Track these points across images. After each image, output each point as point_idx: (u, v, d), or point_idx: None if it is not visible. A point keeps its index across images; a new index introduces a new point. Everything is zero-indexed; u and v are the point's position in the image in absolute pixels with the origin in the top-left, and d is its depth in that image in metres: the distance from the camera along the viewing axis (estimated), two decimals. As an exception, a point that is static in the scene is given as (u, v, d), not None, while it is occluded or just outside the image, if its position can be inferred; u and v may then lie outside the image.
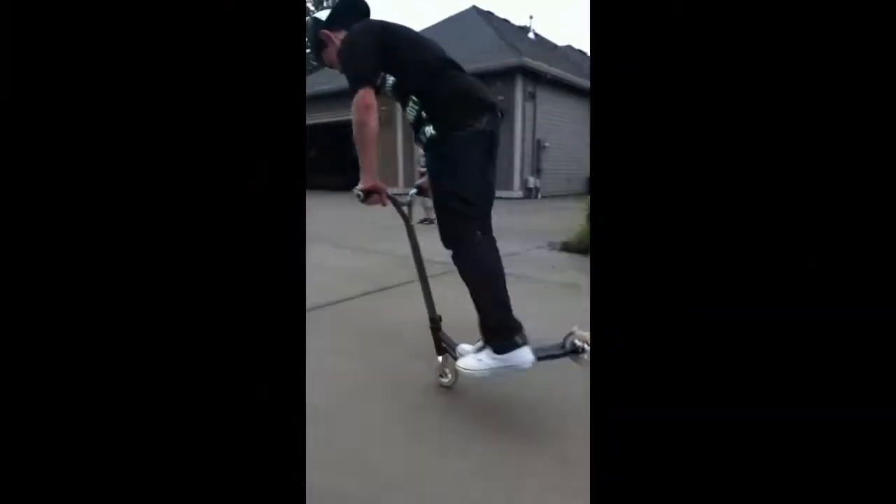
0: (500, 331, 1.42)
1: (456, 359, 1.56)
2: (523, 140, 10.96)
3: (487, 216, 1.59)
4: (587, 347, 1.45)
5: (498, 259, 1.48)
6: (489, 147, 1.48)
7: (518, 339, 1.41)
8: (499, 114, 1.49)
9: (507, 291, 1.45)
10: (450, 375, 1.65)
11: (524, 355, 1.41)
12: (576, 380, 1.59)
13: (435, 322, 1.66)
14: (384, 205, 1.53)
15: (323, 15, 1.64)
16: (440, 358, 1.67)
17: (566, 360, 1.47)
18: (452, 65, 1.52)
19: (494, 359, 1.42)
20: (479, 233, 1.48)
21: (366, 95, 1.36)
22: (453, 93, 1.46)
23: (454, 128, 1.44)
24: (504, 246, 1.59)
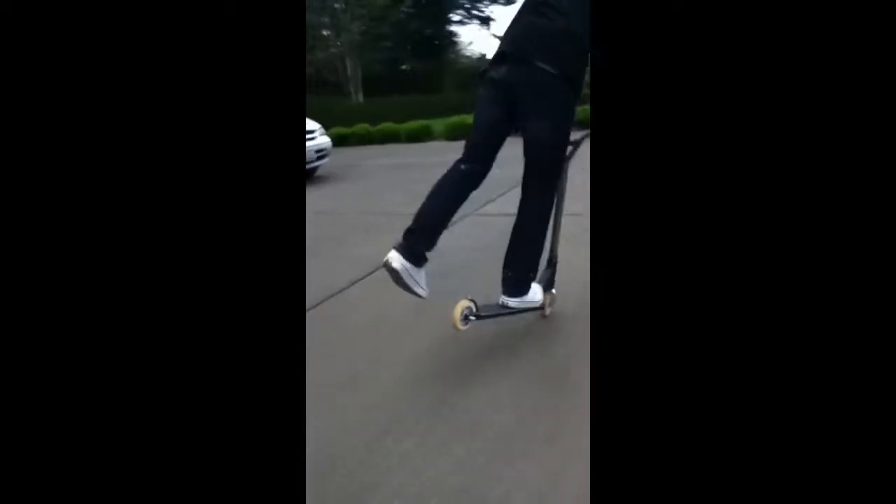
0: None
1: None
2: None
3: (490, 157, 1.58)
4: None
5: (449, 192, 1.55)
6: (504, 96, 1.48)
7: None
8: (525, 65, 1.42)
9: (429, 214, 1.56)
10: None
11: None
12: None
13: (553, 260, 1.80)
14: None
15: None
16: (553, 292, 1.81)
17: None
18: (529, 6, 1.49)
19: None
20: (461, 165, 1.56)
21: None
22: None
23: (482, 71, 1.55)
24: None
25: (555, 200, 1.64)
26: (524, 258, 1.58)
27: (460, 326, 1.50)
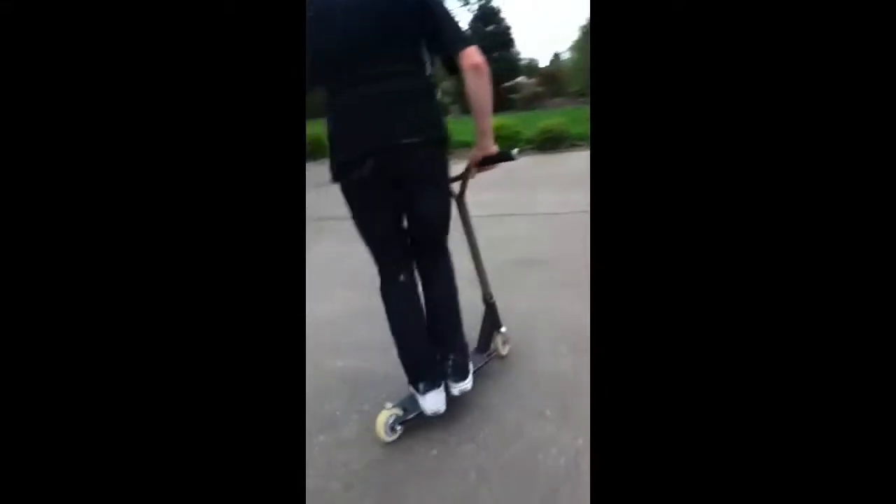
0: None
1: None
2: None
3: (409, 257, 1.38)
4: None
5: (411, 308, 1.34)
6: (381, 194, 1.24)
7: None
8: (392, 152, 1.18)
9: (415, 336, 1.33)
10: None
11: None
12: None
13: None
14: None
15: None
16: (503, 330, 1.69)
17: None
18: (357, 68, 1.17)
19: None
20: (400, 277, 1.34)
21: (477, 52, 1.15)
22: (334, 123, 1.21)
23: (336, 174, 1.23)
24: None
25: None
26: (455, 330, 1.39)
27: (387, 438, 1.32)
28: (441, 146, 1.26)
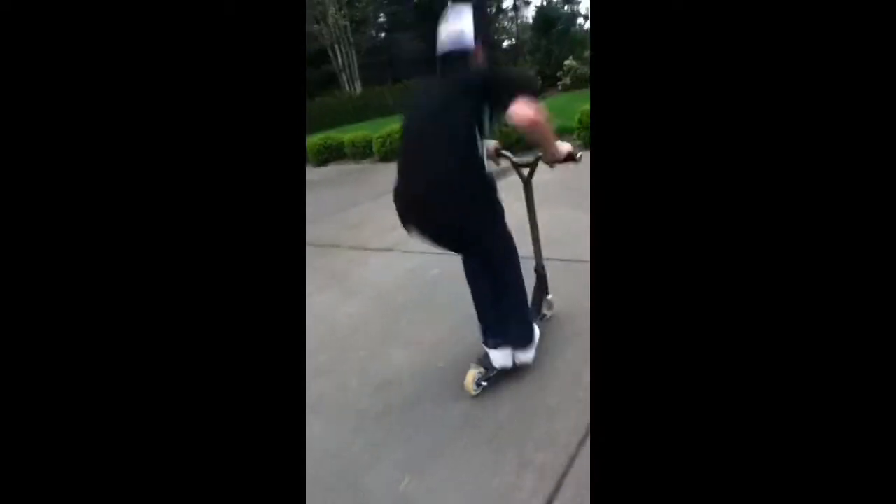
0: None
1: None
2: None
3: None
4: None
5: (481, 284, 1.62)
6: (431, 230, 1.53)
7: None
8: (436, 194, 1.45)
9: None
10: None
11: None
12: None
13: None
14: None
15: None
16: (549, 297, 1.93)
17: None
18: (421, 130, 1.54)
19: None
20: (471, 261, 1.62)
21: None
22: None
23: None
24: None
25: (512, 236, 1.63)
26: (517, 307, 1.62)
27: (474, 392, 1.59)
28: (481, 178, 1.49)
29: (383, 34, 20.50)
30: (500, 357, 1.59)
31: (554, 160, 1.54)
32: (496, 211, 1.54)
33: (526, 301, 1.67)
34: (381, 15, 19.48)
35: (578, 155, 1.55)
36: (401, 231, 1.59)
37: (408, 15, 19.42)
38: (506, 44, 19.77)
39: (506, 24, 20.35)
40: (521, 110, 1.33)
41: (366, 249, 3.33)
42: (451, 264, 1.97)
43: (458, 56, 1.49)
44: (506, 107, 1.35)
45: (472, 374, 1.59)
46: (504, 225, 1.56)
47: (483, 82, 1.47)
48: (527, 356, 1.63)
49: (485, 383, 1.59)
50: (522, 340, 1.62)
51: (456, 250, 1.62)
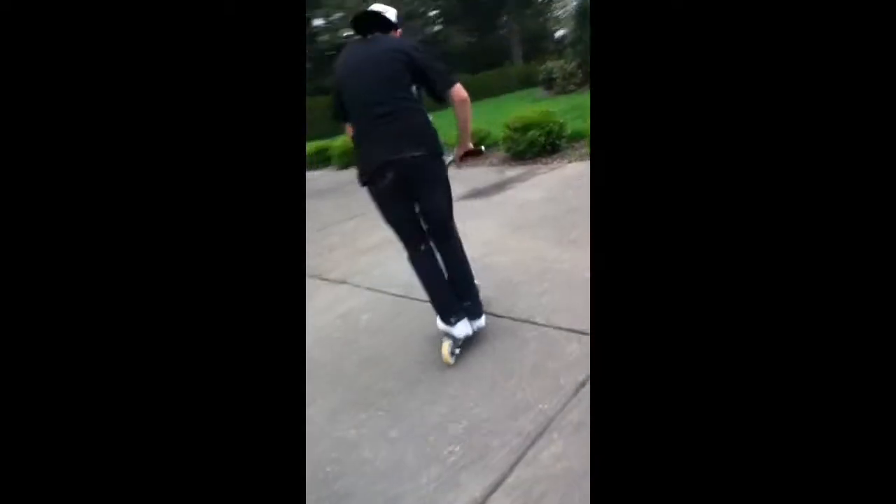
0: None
1: None
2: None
3: (424, 234, 1.88)
4: None
5: (432, 269, 1.87)
6: (396, 190, 1.73)
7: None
8: (401, 162, 1.67)
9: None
10: None
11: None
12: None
13: None
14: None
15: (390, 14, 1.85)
16: None
17: None
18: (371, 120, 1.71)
19: None
20: (420, 247, 1.86)
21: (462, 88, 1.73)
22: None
23: (364, 181, 1.78)
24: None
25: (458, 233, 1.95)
26: (469, 285, 1.94)
27: (451, 361, 1.83)
28: (437, 156, 1.78)
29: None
30: (462, 328, 1.86)
31: (464, 151, 1.91)
32: (449, 197, 1.84)
33: (473, 276, 1.96)
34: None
35: (482, 147, 1.99)
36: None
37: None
38: (558, 34, 20.21)
39: (558, 13, 20.51)
40: (461, 90, 1.66)
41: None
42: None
43: (382, 27, 1.74)
44: (444, 82, 1.66)
45: (446, 346, 1.84)
46: (452, 209, 1.86)
47: (413, 51, 1.69)
48: (481, 322, 1.93)
49: (457, 351, 1.86)
50: (476, 309, 1.92)
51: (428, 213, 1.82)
